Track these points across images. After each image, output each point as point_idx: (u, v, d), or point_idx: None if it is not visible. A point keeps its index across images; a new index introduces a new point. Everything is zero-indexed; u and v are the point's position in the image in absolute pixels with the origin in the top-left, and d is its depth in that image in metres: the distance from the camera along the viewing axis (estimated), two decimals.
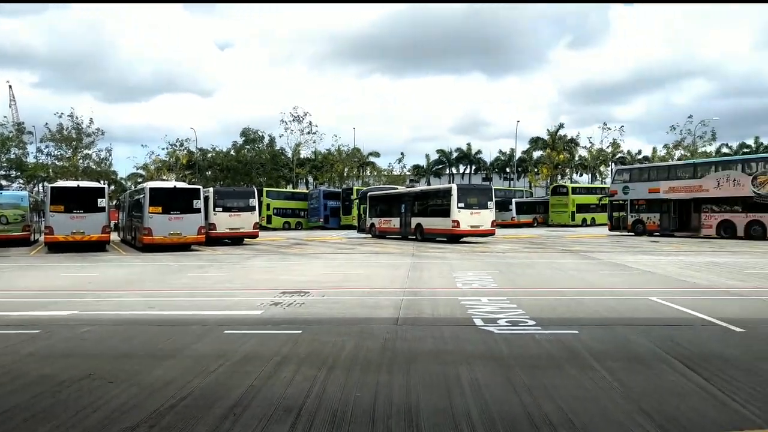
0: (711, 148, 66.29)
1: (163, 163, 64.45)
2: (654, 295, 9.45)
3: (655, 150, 74.14)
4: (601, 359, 5.53)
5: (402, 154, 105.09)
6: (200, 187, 24.10)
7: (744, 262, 15.22)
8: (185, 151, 64.25)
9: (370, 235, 31.84)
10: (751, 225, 25.52)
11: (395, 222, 29.91)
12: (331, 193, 50.98)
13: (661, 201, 29.81)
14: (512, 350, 6.00)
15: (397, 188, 38.81)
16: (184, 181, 48.24)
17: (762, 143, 74.90)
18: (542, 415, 4.05)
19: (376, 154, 75.03)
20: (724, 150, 72.69)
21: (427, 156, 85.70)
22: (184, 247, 21.86)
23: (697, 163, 31.45)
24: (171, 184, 25.09)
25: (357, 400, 4.42)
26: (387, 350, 6.03)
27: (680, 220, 29.24)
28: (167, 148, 63.83)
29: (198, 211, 22.21)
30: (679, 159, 58.01)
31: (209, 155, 64.99)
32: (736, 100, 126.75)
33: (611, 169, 66.03)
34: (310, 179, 73.95)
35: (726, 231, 26.40)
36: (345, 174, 69.29)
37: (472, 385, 4.75)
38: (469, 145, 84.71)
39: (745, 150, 72.50)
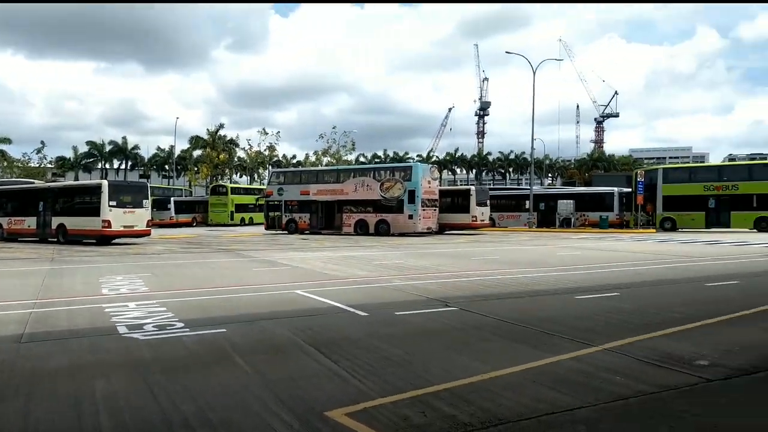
0: (351, 157, 75.93)
1: None
2: (298, 289, 10.33)
3: (307, 156, 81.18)
4: (245, 354, 5.79)
5: (42, 143, 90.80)
6: None
7: (372, 255, 17.83)
8: None
9: None
10: (379, 223, 30.08)
11: (30, 222, 25.84)
12: None
13: (311, 202, 32.73)
14: (157, 355, 5.82)
15: (33, 182, 33.99)
16: None
17: (389, 155, 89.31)
18: (181, 417, 4.03)
19: (7, 141, 63.55)
20: (362, 159, 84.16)
21: (74, 148, 76.76)
22: None
23: (340, 170, 35.62)
24: None
25: None
26: (2, 374, 5.16)
27: (327, 219, 32.58)
28: None
29: None
30: (326, 165, 64.66)
31: None
32: (371, 116, 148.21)
33: (268, 172, 69.52)
34: None
35: (361, 228, 30.52)
36: None
37: (108, 399, 4.43)
38: (124, 138, 79.22)
39: (377, 160, 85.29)
